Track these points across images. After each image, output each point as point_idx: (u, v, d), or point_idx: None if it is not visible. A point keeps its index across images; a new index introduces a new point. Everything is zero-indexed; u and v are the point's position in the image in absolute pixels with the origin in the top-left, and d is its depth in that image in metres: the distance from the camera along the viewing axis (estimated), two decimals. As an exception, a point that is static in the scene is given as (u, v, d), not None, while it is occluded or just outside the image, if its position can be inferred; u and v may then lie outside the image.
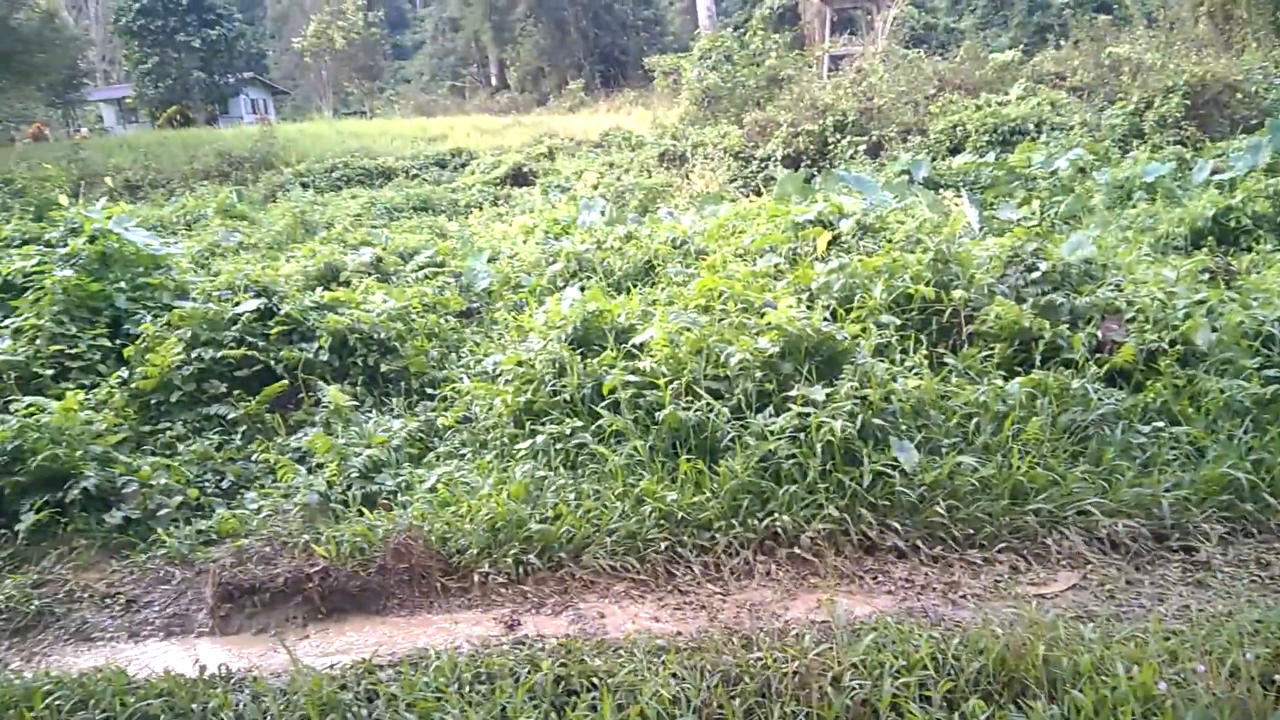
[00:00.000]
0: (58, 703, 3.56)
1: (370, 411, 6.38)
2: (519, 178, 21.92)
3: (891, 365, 5.39)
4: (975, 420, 5.09)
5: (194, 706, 3.53)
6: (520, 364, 6.12)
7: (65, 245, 7.70)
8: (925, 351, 5.77)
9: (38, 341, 6.69)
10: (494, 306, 8.54)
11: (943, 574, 4.19)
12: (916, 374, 5.38)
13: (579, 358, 5.90)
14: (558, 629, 4.01)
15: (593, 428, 5.40)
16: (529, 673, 3.50)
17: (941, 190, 12.89)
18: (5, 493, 5.34)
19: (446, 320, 7.87)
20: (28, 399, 5.79)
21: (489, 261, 10.19)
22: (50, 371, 6.50)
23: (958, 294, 6.21)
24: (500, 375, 6.30)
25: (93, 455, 5.47)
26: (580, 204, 13.69)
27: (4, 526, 5.25)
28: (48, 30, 30.54)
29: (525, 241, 11.55)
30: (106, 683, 3.70)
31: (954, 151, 16.86)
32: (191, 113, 37.21)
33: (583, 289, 7.98)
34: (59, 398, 5.96)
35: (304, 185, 22.30)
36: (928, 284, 6.31)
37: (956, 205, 10.96)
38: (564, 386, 5.75)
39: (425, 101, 42.01)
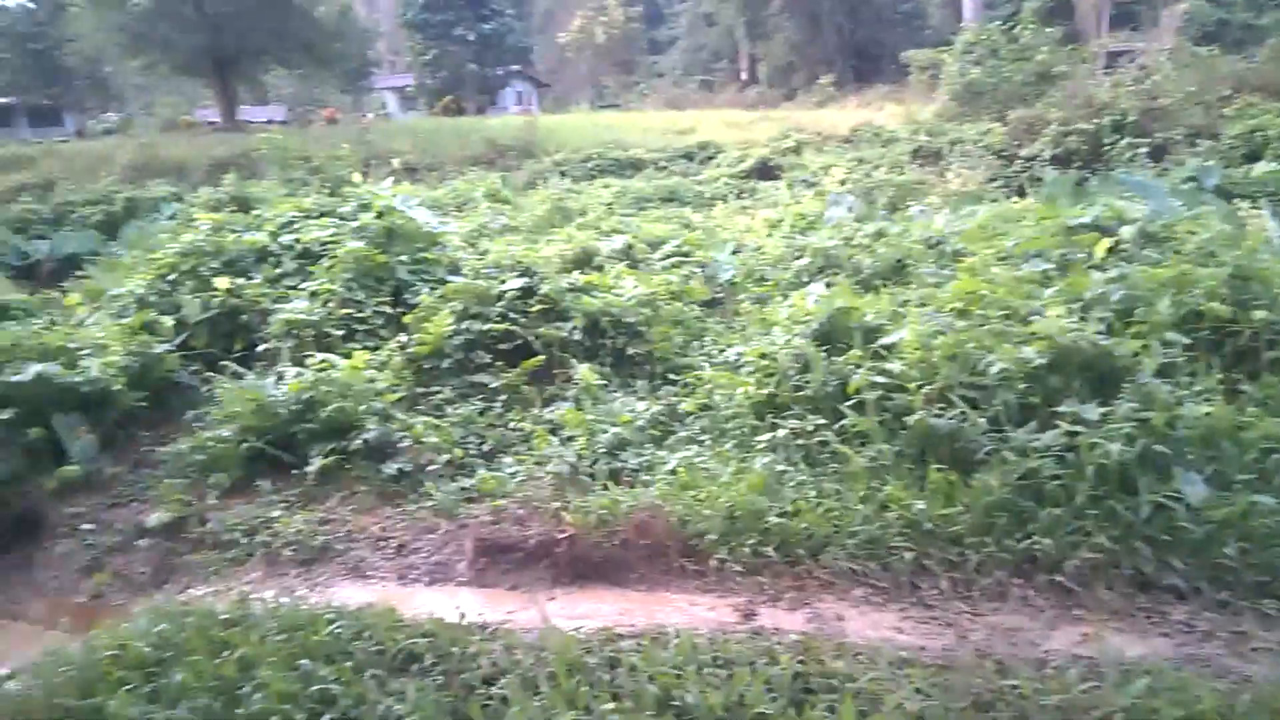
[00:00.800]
0: (338, 630, 3.95)
1: (617, 391, 6.59)
2: (764, 171, 21.85)
3: (1178, 388, 4.91)
4: (1275, 456, 4.54)
5: (454, 650, 3.81)
6: (763, 356, 6.11)
7: (356, 219, 8.50)
8: (1218, 376, 5.20)
9: (330, 304, 7.43)
10: (737, 298, 8.58)
11: (1230, 622, 3.77)
12: (1207, 400, 4.87)
13: (823, 354, 5.82)
14: (794, 625, 3.98)
15: (835, 426, 5.30)
16: (766, 664, 3.50)
17: (1236, 200, 11.57)
18: (299, 438, 6.01)
19: (691, 308, 7.99)
20: (320, 355, 6.44)
21: (733, 253, 10.25)
22: (340, 332, 7.19)
23: (1259, 315, 5.56)
24: (742, 366, 6.32)
25: (374, 411, 6.03)
26: (827, 199, 13.47)
27: (296, 467, 5.91)
28: (344, 22, 33.82)
29: (769, 235, 11.51)
30: (379, 618, 4.07)
31: (1251, 159, 15.09)
32: (463, 102, 40.00)
33: (829, 285, 7.86)
34: (346, 356, 6.61)
35: (561, 174, 23.36)
36: (1223, 302, 5.69)
37: (1255, 217, 9.81)
38: (807, 382, 5.68)
39: (676, 95, 42.82)
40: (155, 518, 5.67)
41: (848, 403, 5.37)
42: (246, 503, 5.74)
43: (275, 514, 5.52)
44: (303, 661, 3.67)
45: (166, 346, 6.90)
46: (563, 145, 25.85)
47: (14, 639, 5.69)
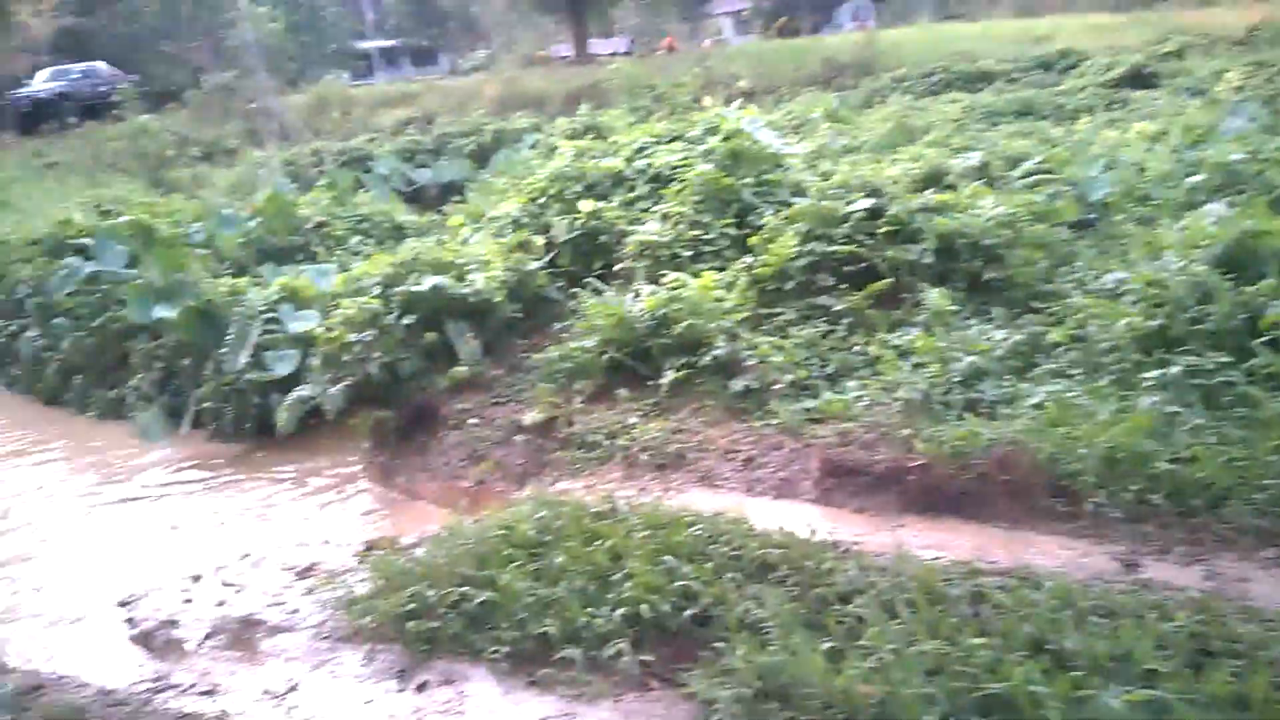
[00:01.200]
0: (696, 532, 4.13)
1: (971, 319, 6.22)
2: (1138, 79, 19.32)
3: None
4: None
5: (807, 564, 3.85)
6: (1151, 284, 5.46)
7: (704, 143, 8.66)
8: None
9: (680, 226, 7.66)
10: (1114, 219, 7.71)
11: None
12: None
13: (1229, 283, 5.08)
14: (1188, 581, 3.57)
15: (1243, 367, 4.64)
16: (1157, 619, 3.18)
17: None
18: (653, 351, 6.31)
19: (1057, 230, 7.30)
20: (673, 275, 6.68)
21: (1106, 170, 9.20)
22: (688, 253, 7.41)
23: None
24: (1124, 294, 5.70)
25: (722, 329, 6.18)
26: (1224, 109, 11.66)
27: (650, 379, 6.23)
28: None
29: (1150, 150, 10.19)
30: (734, 525, 4.20)
31: None
32: (798, 23, 39.21)
33: (1231, 204, 6.82)
34: (695, 276, 6.81)
35: (901, 91, 22.24)
36: None
37: None
38: (1207, 314, 5.01)
39: (1030, 1, 38.94)
40: (530, 417, 6.26)
41: (1259, 340, 4.67)
42: (607, 409, 6.16)
43: (632, 421, 5.87)
44: (666, 558, 3.88)
45: (538, 264, 7.51)
46: (902, 61, 24.57)
47: (414, 514, 6.62)
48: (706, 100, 10.79)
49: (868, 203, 6.99)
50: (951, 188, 8.45)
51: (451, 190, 15.70)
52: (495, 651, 3.69)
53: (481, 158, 18.45)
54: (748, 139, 8.38)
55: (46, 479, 8.22)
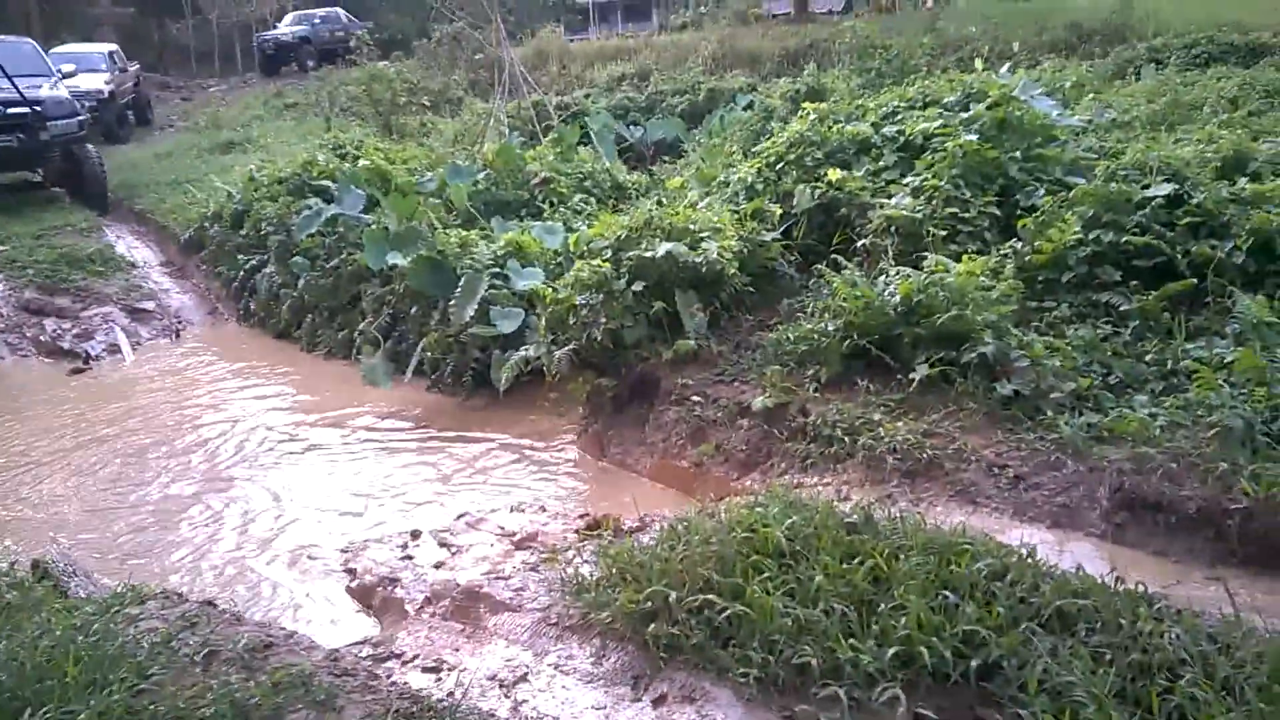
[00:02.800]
0: (979, 566, 3.56)
1: (1292, 333, 5.25)
2: None
3: None
4: None
5: (1120, 620, 3.24)
6: None
7: (966, 110, 7.84)
8: None
9: (934, 202, 6.96)
10: None
11: None
12: None
13: None
14: None
15: None
16: None
17: None
18: (903, 341, 5.72)
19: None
20: (933, 257, 6.03)
21: None
22: (942, 232, 6.71)
23: None
24: None
25: (987, 323, 5.50)
26: None
27: (897, 371, 5.65)
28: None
29: None
30: (1021, 561, 3.63)
31: None
32: (1036, -17, 36.26)
33: None
34: (951, 259, 6.13)
35: (1156, 62, 19.98)
36: None
37: None
38: None
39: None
40: (759, 401, 5.83)
41: None
42: (845, 400, 5.64)
43: (876, 417, 5.33)
44: (946, 594, 3.37)
45: (773, 235, 7.03)
46: (1166, 27, 22.13)
47: (629, 489, 6.36)
48: (978, 64, 9.83)
49: (1168, 188, 6.07)
50: (1255, 177, 7.30)
51: (662, 149, 15.38)
52: (744, 674, 3.31)
53: (694, 117, 18.01)
54: (1019, 107, 7.51)
55: (271, 414, 8.57)
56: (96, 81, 18.61)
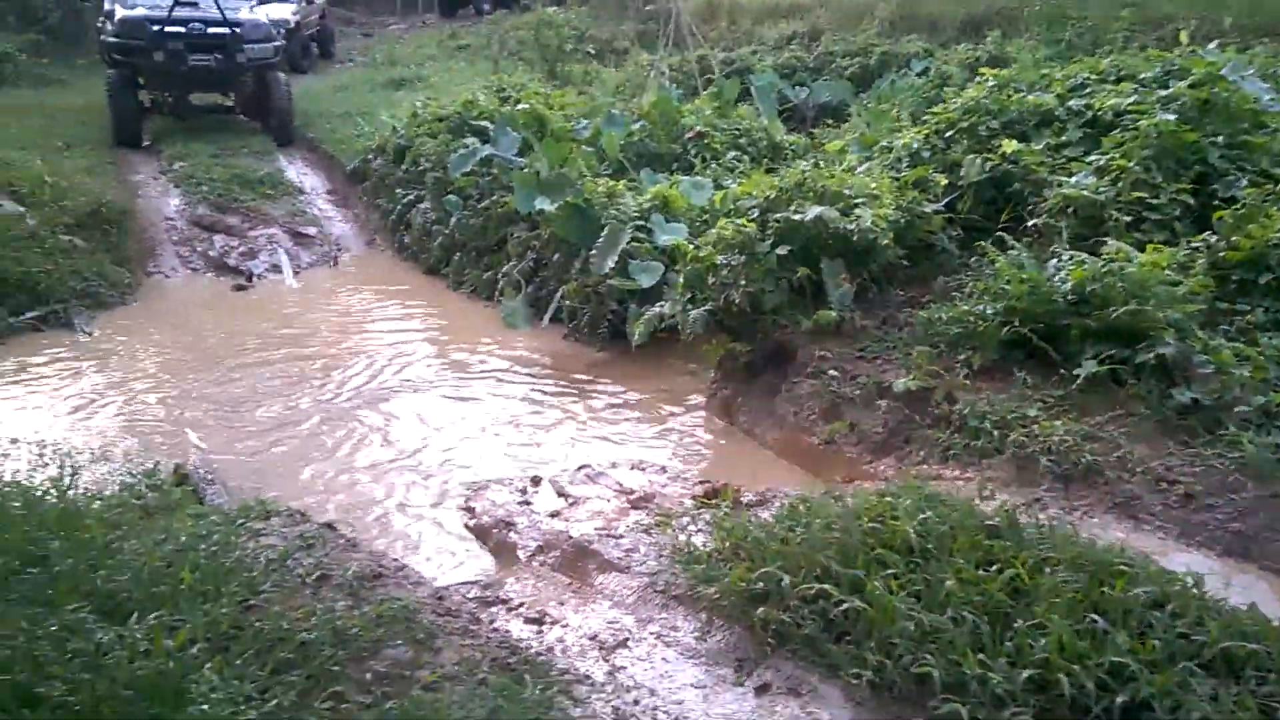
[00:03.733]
0: (1139, 593, 3.17)
1: None
2: None
3: None
4: None
5: (1296, 672, 2.83)
6: None
7: (1165, 88, 7.09)
8: None
9: (1119, 184, 6.34)
10: None
11: None
12: None
13: None
14: None
15: None
16: None
17: None
18: (1070, 332, 5.24)
19: None
20: (1113, 244, 5.49)
21: None
22: (1127, 218, 6.10)
23: None
24: None
25: (1169, 321, 4.96)
26: None
27: (1060, 365, 5.18)
28: None
29: None
30: (1183, 590, 3.23)
31: None
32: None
33: None
34: (1136, 247, 5.56)
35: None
36: None
37: None
38: None
39: None
40: (903, 382, 5.48)
41: None
42: (998, 391, 5.23)
43: (1032, 413, 4.90)
44: (1095, 618, 3.02)
45: (934, 206, 6.58)
46: None
47: (755, 461, 6.15)
48: (1183, 36, 8.92)
49: (1405, 186, 5.30)
50: None
51: (826, 112, 14.79)
52: (856, 675, 3.08)
53: (863, 81, 17.24)
54: (1226, 88, 6.73)
55: (413, 346, 8.75)
56: (284, 12, 19.29)
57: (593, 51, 18.24)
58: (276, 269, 10.88)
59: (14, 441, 6.16)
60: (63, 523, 3.84)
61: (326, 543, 4.06)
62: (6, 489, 4.30)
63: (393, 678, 3.04)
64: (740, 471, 5.69)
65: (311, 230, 11.75)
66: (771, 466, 6.00)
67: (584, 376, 7.78)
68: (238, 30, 14.01)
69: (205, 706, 2.51)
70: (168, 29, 13.59)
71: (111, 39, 13.86)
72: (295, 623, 3.21)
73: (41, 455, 5.80)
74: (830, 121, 13.66)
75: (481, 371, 8.04)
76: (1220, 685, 2.85)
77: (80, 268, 9.55)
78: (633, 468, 5.99)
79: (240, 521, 4.23)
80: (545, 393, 7.52)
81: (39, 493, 4.30)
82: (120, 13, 14.00)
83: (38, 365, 8.10)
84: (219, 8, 13.93)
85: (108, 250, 10.14)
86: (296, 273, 10.92)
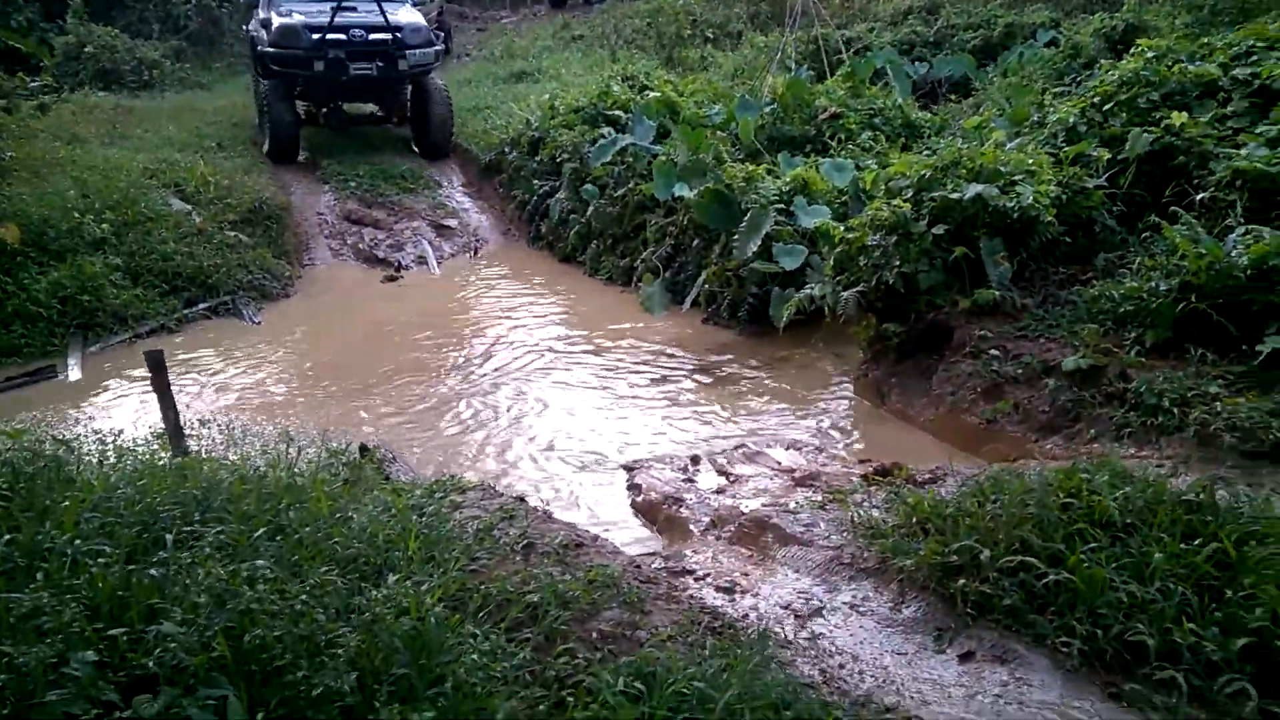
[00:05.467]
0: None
1: None
2: None
3: None
4: None
5: None
6: None
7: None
8: None
9: (1294, 154, 6.09)
10: None
11: None
12: None
13: None
14: None
15: None
16: None
17: None
18: (1251, 309, 5.10)
19: None
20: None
21: None
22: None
23: None
24: None
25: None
26: None
27: (1241, 341, 5.06)
28: None
29: None
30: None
31: None
32: None
33: None
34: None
35: None
36: None
37: None
38: None
39: None
40: (1072, 360, 5.44)
41: None
42: (1174, 368, 5.14)
43: (1213, 389, 4.82)
44: (1309, 592, 3.02)
45: (1096, 181, 6.46)
46: None
47: (910, 442, 6.18)
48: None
49: None
50: None
51: (949, 87, 14.49)
52: (1065, 644, 3.14)
53: (986, 54, 16.79)
54: None
55: (555, 329, 9.06)
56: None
57: (709, 37, 18.28)
58: (421, 260, 11.37)
59: (203, 423, 6.69)
60: (291, 495, 4.18)
61: (525, 514, 4.31)
62: (232, 467, 4.69)
63: (615, 637, 3.25)
64: (897, 451, 5.73)
65: (452, 222, 12.22)
66: (929, 446, 6.01)
67: (726, 359, 7.92)
68: (399, 35, 13.01)
69: (475, 656, 2.75)
70: (329, 36, 12.65)
71: (269, 49, 12.95)
72: (518, 585, 3.46)
73: (230, 436, 6.31)
74: (954, 97, 13.41)
75: (623, 354, 8.27)
76: None
77: (245, 261, 10.20)
78: (788, 447, 6.11)
79: (440, 495, 4.53)
80: (689, 375, 7.69)
81: (258, 469, 4.68)
82: (277, 21, 13.10)
83: (214, 352, 8.72)
84: (381, 10, 12.90)
85: (269, 245, 10.80)
86: (440, 263, 11.38)
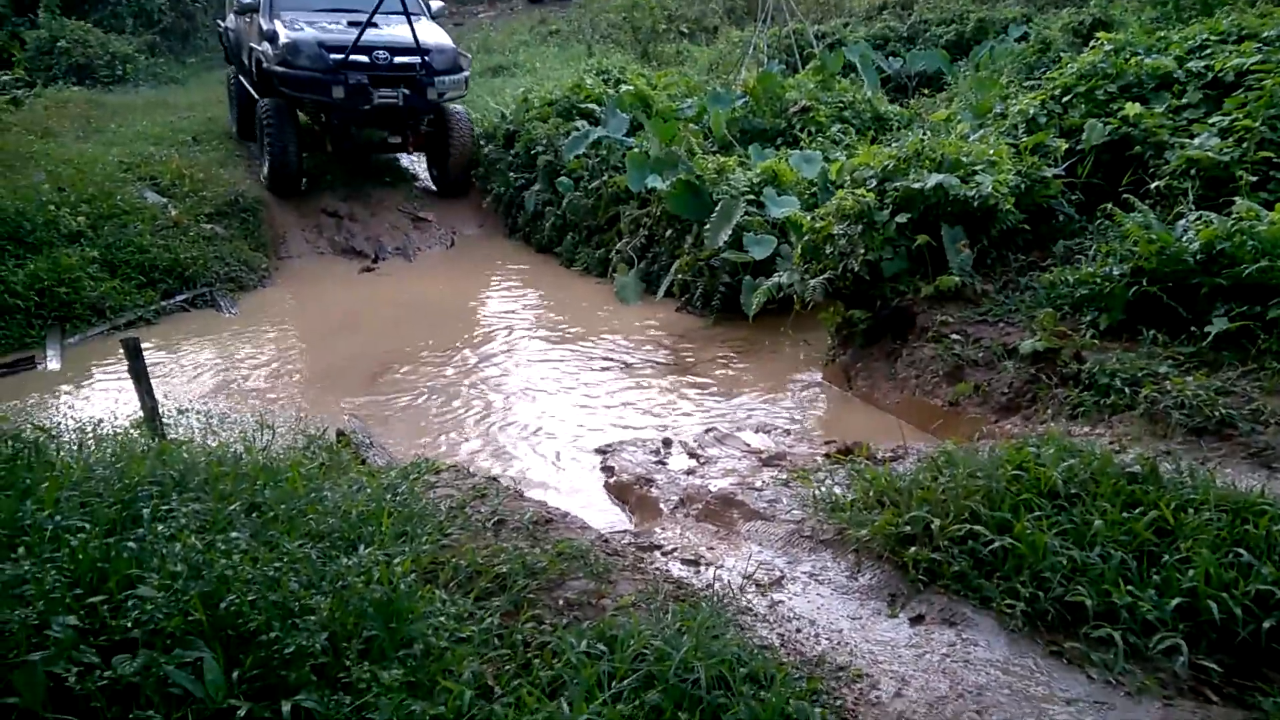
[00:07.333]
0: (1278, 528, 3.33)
1: None
2: None
3: None
4: None
5: None
6: None
7: (1292, 43, 6.99)
8: None
9: (1244, 144, 6.30)
10: None
11: None
12: None
13: None
14: None
15: None
16: None
17: None
18: (1200, 291, 5.29)
19: None
20: (1242, 203, 5.51)
21: None
22: (1253, 178, 6.08)
23: None
24: None
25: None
26: None
27: (1190, 324, 5.25)
28: None
29: None
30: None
31: None
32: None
33: None
34: (1266, 206, 5.56)
35: None
36: None
37: None
38: None
39: None
40: (1029, 344, 5.61)
41: None
42: (1126, 349, 5.33)
43: (1163, 369, 5.00)
44: (1238, 551, 3.19)
45: (1055, 171, 6.64)
46: None
47: (877, 424, 6.34)
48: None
49: None
50: None
51: (922, 81, 14.70)
52: (1009, 605, 3.30)
53: (959, 49, 17.02)
54: (1358, 42, 6.61)
55: (530, 319, 9.17)
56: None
57: (684, 31, 18.42)
58: (398, 251, 11.44)
59: (181, 412, 6.75)
60: (267, 476, 4.28)
61: (497, 493, 4.43)
62: (209, 450, 4.78)
63: (581, 605, 3.38)
64: (863, 433, 5.89)
65: (429, 216, 12.28)
66: (893, 428, 6.17)
67: (699, 346, 8.06)
68: (427, 58, 11.12)
69: (442, 619, 2.87)
70: (350, 58, 10.74)
71: (277, 67, 10.95)
72: (487, 558, 3.58)
73: (208, 424, 6.38)
74: (926, 91, 13.59)
75: (598, 342, 8.39)
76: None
77: (222, 254, 10.24)
78: (757, 430, 6.26)
79: (415, 476, 4.65)
80: (662, 363, 7.83)
81: (236, 452, 4.77)
82: (286, 35, 10.96)
83: (192, 343, 8.77)
84: (411, 29, 10.84)
85: (245, 237, 10.84)
86: (416, 254, 11.46)
